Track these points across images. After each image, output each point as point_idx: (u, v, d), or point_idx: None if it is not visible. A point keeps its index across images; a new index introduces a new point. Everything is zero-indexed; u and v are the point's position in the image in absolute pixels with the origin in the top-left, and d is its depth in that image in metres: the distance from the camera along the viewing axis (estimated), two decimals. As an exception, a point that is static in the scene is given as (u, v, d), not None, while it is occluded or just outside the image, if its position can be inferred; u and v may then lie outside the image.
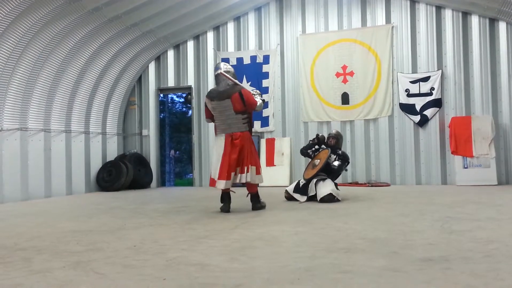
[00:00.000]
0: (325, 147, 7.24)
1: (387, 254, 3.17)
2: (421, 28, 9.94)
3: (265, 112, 10.49)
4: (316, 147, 7.32)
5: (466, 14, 9.68)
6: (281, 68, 10.72)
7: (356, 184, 9.77)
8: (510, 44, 9.35)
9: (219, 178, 5.68)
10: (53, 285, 2.62)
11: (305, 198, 6.72)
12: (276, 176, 9.98)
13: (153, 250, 3.53)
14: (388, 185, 9.67)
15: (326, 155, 6.90)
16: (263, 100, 6.21)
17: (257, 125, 10.27)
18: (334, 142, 7.25)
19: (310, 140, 7.52)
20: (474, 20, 9.61)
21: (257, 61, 10.69)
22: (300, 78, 10.54)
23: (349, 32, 10.30)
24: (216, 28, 11.08)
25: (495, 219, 4.69)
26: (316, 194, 6.63)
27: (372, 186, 9.45)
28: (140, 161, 10.94)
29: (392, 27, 10.06)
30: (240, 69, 9.94)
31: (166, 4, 9.28)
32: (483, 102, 9.52)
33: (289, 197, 6.98)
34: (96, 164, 10.24)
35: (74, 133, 9.53)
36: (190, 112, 12.46)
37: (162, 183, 11.96)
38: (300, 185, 6.91)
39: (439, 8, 9.85)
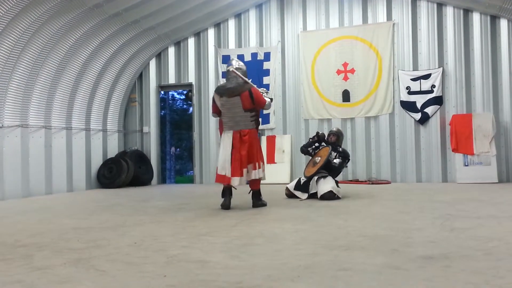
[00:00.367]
0: (325, 144, 7.23)
1: (387, 252, 3.17)
2: (422, 25, 9.91)
3: (265, 110, 10.47)
4: (316, 144, 7.32)
5: (467, 11, 9.66)
6: (282, 65, 10.70)
7: (356, 181, 9.77)
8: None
9: (232, 175, 5.73)
10: (54, 282, 2.62)
11: (306, 195, 6.72)
12: (277, 173, 9.98)
13: (154, 247, 3.53)
14: (388, 182, 9.67)
15: (327, 153, 6.90)
16: (271, 99, 6.25)
17: (257, 123, 10.26)
18: (334, 139, 7.24)
19: (310, 138, 7.52)
20: (476, 18, 9.59)
21: (258, 58, 10.68)
22: (300, 75, 10.53)
23: (350, 29, 10.28)
24: (217, 25, 11.06)
25: (496, 217, 4.69)
26: (316, 191, 6.62)
27: (372, 183, 9.45)
28: (141, 158, 10.95)
29: (393, 24, 10.04)
30: (241, 66, 9.91)
31: (166, 1, 9.27)
32: (484, 100, 9.51)
33: (290, 195, 6.98)
34: (97, 161, 10.25)
35: (75, 130, 9.53)
36: (190, 109, 12.47)
37: (163, 180, 11.97)
38: (301, 183, 6.91)
39: (440, 5, 9.82)
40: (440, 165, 9.68)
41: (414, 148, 9.84)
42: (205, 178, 10.91)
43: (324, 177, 6.73)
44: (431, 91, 9.71)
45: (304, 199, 6.64)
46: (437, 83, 9.66)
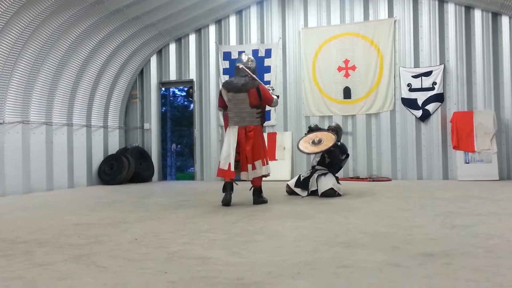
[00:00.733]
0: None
1: (388, 249, 3.17)
2: (423, 22, 9.89)
3: (267, 106, 10.46)
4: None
5: (469, 8, 9.63)
6: (283, 62, 10.69)
7: (357, 178, 9.77)
8: (513, 38, 9.32)
9: (235, 170, 5.79)
10: (54, 278, 2.63)
11: (306, 193, 6.71)
12: (278, 170, 9.96)
13: (155, 243, 3.54)
14: (389, 179, 9.67)
15: (331, 143, 6.77)
16: (278, 96, 6.29)
17: (258, 119, 10.26)
18: (333, 135, 7.20)
19: (305, 134, 7.38)
20: (477, 14, 9.56)
21: (259, 55, 10.65)
22: (302, 72, 10.52)
23: (351, 26, 10.26)
24: (218, 22, 11.04)
25: (496, 214, 4.69)
26: (317, 189, 6.62)
27: (373, 180, 9.45)
28: (142, 154, 10.96)
29: (395, 21, 10.02)
30: (241, 63, 9.90)
31: (168, -2, 9.26)
32: (485, 97, 9.49)
33: (291, 192, 6.98)
34: (98, 158, 10.25)
35: (76, 127, 9.53)
36: (191, 106, 12.46)
37: (164, 176, 11.98)
38: (301, 180, 6.90)
39: (441, 2, 9.79)
40: (441, 162, 9.68)
41: (415, 145, 9.84)
42: (206, 175, 10.92)
43: (324, 174, 6.72)
44: (432, 88, 9.70)
45: (305, 196, 6.64)
46: (438, 80, 9.64)
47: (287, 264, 2.81)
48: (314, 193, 6.67)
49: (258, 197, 5.97)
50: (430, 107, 9.71)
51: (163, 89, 12.72)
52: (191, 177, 11.82)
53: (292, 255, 3.07)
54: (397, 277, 2.51)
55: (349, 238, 3.60)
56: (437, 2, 9.81)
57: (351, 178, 9.82)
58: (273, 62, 10.65)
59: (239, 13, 10.94)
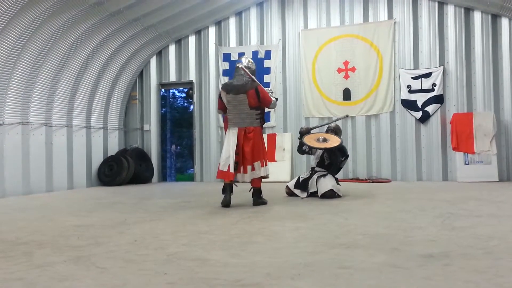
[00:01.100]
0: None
1: (388, 250, 3.17)
2: (423, 24, 9.90)
3: (266, 108, 10.46)
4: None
5: (468, 10, 9.64)
6: (282, 63, 10.70)
7: (357, 180, 9.77)
8: (513, 40, 9.33)
9: (236, 171, 5.81)
10: (54, 279, 2.62)
11: (305, 194, 6.70)
12: (277, 171, 9.96)
13: (154, 245, 3.54)
14: (389, 181, 9.67)
15: (338, 142, 6.76)
16: (276, 99, 6.31)
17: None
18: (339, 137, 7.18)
19: (299, 138, 7.34)
20: (477, 16, 9.57)
21: (259, 56, 10.66)
22: (301, 74, 10.52)
23: (351, 28, 10.27)
24: (218, 23, 11.05)
25: (496, 216, 4.69)
26: (317, 190, 6.62)
27: (373, 182, 9.45)
28: (141, 156, 10.95)
29: (394, 22, 10.03)
30: (241, 64, 9.91)
31: (167, -1, 9.27)
32: (485, 99, 9.50)
33: (290, 193, 6.97)
34: (97, 159, 10.25)
35: (76, 128, 9.53)
36: (191, 107, 12.46)
37: (163, 178, 11.97)
38: (300, 181, 6.89)
39: (441, 4, 9.81)
40: (440, 163, 9.68)
41: (414, 146, 9.84)
42: (205, 176, 10.92)
43: (324, 175, 6.72)
44: (432, 90, 9.70)
45: (304, 198, 6.64)
46: (438, 82, 9.65)
47: (287, 265, 2.81)
48: (313, 194, 6.68)
49: (258, 198, 5.97)
50: (429, 108, 9.72)
51: (163, 90, 12.72)
52: (191, 178, 11.81)
53: (292, 256, 3.07)
54: (396, 278, 2.51)
55: (349, 239, 3.60)
56: (436, 4, 9.82)
57: (351, 179, 9.83)
58: (273, 63, 10.65)
59: (239, 14, 10.95)
